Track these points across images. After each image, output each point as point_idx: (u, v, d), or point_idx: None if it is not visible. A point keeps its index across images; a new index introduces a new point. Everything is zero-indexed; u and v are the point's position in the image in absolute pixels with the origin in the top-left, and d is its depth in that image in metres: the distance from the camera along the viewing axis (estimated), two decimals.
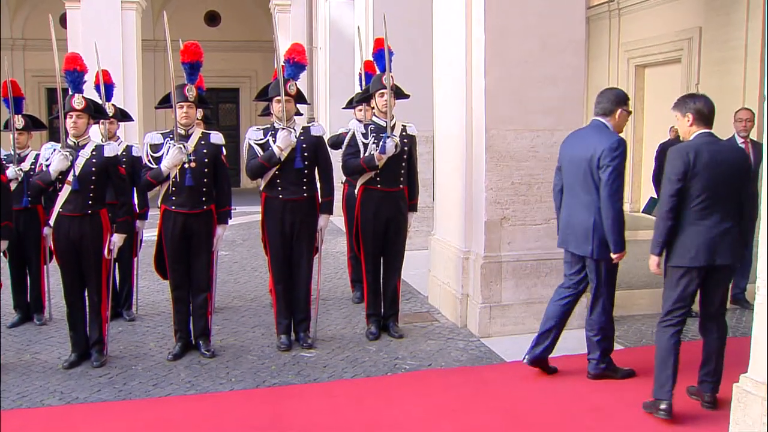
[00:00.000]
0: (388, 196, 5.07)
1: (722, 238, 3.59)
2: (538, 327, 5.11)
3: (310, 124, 5.07)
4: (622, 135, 4.09)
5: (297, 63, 4.91)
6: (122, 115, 5.85)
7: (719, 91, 9.07)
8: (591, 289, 4.17)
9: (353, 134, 5.10)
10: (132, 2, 13.22)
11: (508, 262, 5.14)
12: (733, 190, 3.62)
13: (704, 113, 3.67)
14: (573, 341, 4.49)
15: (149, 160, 4.69)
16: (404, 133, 5.13)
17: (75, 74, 4.69)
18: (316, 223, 4.97)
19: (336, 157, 5.24)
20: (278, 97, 4.76)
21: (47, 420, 3.86)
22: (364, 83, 6.00)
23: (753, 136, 5.96)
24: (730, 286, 4.27)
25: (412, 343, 5.03)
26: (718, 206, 3.58)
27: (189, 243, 4.74)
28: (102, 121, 5.35)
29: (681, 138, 3.89)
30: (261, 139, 4.82)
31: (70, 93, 4.61)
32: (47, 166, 4.52)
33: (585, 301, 5.21)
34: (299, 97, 4.98)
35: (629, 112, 4.19)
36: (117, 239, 4.66)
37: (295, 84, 4.90)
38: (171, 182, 4.65)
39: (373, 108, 5.18)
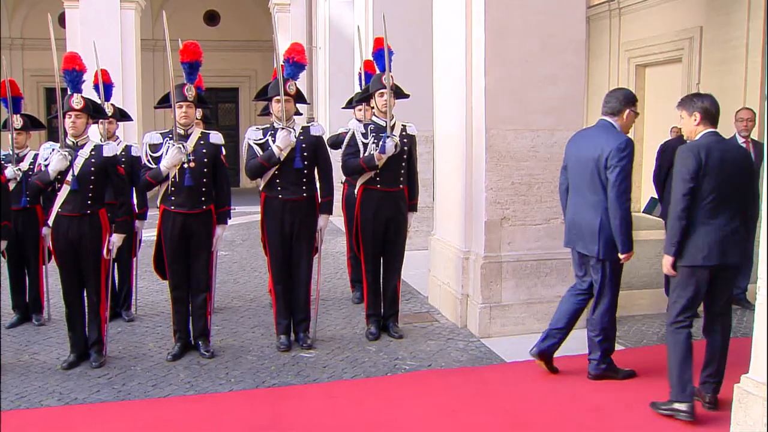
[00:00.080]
0: (388, 196, 5.06)
1: (732, 236, 3.61)
2: (538, 327, 5.12)
3: (309, 124, 5.06)
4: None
5: (296, 62, 4.90)
6: (121, 115, 5.84)
7: (720, 91, 9.04)
8: (595, 288, 4.16)
9: (353, 134, 5.09)
10: (131, 1, 13.21)
11: (508, 262, 5.13)
12: (738, 189, 3.63)
13: (711, 112, 3.67)
14: (574, 341, 4.47)
15: (148, 160, 4.68)
16: (404, 133, 5.12)
17: (74, 74, 4.67)
18: (316, 223, 4.95)
19: (336, 157, 5.23)
20: (278, 97, 4.75)
21: (46, 421, 3.85)
22: (363, 83, 5.99)
23: (754, 135, 5.95)
24: None
25: (412, 344, 5.01)
26: (726, 205, 3.59)
27: (188, 243, 4.73)
28: (101, 120, 5.33)
29: (685, 137, 3.88)
30: (260, 139, 4.81)
31: (69, 93, 4.59)
32: (46, 166, 4.50)
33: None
34: (299, 97, 4.97)
35: (637, 113, 4.19)
36: (116, 239, 4.65)
37: (295, 84, 4.89)
38: (170, 182, 4.64)
39: (372, 108, 5.17)
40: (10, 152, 5.40)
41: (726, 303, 3.77)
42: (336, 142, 5.81)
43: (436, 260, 6.00)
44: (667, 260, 3.69)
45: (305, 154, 4.81)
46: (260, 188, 4.96)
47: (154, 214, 4.95)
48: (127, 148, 5.54)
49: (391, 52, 5.12)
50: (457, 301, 5.43)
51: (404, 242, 5.25)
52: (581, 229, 4.13)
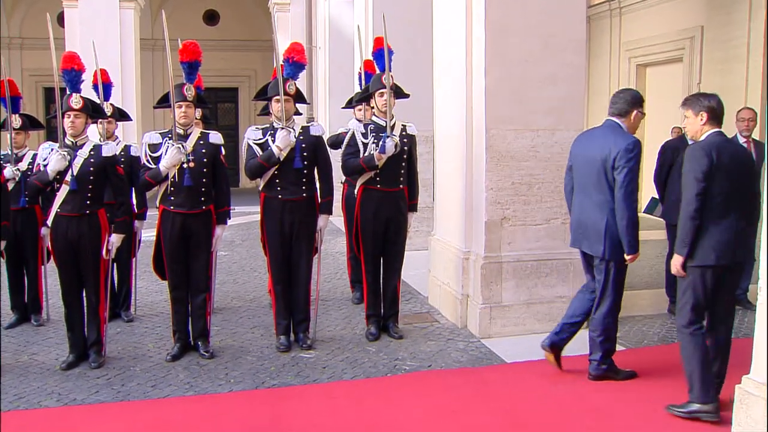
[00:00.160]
0: (388, 196, 5.05)
1: (740, 236, 3.61)
2: (538, 327, 5.13)
3: (309, 124, 5.05)
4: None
5: (296, 62, 4.89)
6: (120, 115, 5.82)
7: (721, 91, 8.98)
8: (598, 288, 4.15)
9: (353, 134, 5.08)
10: (130, 1, 13.19)
11: (508, 262, 5.12)
12: (744, 189, 3.63)
13: (718, 112, 3.68)
14: (574, 342, 4.44)
15: (148, 160, 4.67)
16: (404, 133, 5.11)
17: (72, 73, 4.66)
18: (316, 223, 4.94)
19: (335, 156, 5.22)
20: (277, 97, 4.74)
21: (45, 421, 3.84)
22: (363, 83, 5.98)
23: (755, 135, 5.94)
24: None
25: (412, 344, 5.00)
26: (734, 205, 3.59)
27: (188, 243, 4.71)
28: (100, 120, 5.32)
29: (689, 137, 3.87)
30: (260, 139, 4.80)
31: (68, 92, 4.58)
32: (45, 166, 4.49)
33: None
34: (298, 97, 4.95)
35: (643, 114, 4.18)
36: (115, 239, 4.64)
37: (295, 83, 4.88)
38: (170, 182, 4.63)
39: (372, 107, 5.16)
40: (9, 152, 5.39)
41: (729, 303, 3.76)
42: (336, 142, 5.80)
43: (436, 260, 5.98)
44: (679, 260, 3.66)
45: (305, 154, 4.80)
46: (260, 188, 4.95)
47: (153, 214, 4.94)
48: (127, 148, 5.53)
49: (391, 52, 5.10)
50: (457, 301, 5.41)
51: (404, 242, 5.24)
52: (586, 230, 4.13)
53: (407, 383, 4.28)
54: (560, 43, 5.11)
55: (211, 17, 18.23)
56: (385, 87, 4.97)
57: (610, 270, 4.08)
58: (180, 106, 4.62)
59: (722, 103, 3.72)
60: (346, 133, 5.25)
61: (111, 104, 5.65)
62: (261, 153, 4.76)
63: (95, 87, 5.60)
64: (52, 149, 4.52)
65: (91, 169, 4.51)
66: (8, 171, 5.22)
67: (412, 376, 4.42)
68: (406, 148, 5.09)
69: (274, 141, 4.72)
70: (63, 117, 4.48)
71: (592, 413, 3.81)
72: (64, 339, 4.75)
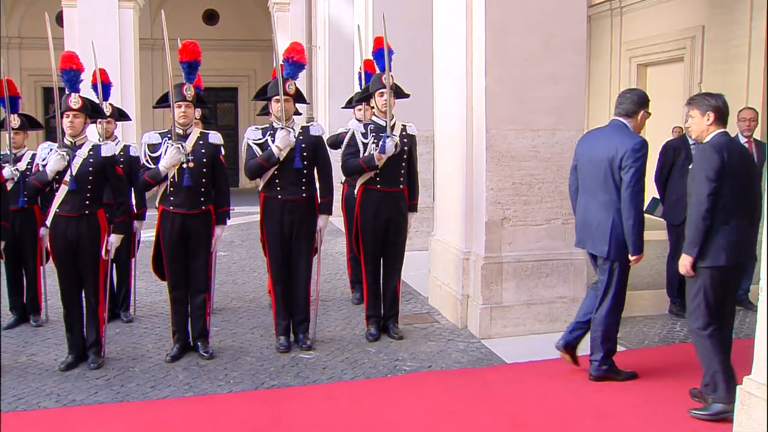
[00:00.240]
0: (388, 196, 5.04)
1: (747, 236, 3.61)
2: (539, 328, 5.12)
3: (309, 124, 5.04)
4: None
5: (296, 62, 4.88)
6: (120, 115, 5.81)
7: (722, 90, 8.96)
8: (601, 288, 4.14)
9: (353, 134, 5.07)
10: (129, 0, 13.17)
11: (508, 262, 5.11)
12: (747, 189, 3.63)
13: (724, 112, 3.68)
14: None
15: (147, 160, 4.66)
16: (404, 133, 5.10)
17: (71, 73, 4.64)
18: (316, 223, 4.93)
19: (335, 156, 5.20)
20: (277, 97, 4.73)
21: (44, 422, 3.83)
22: (363, 82, 5.97)
23: (756, 135, 5.93)
24: None
25: (412, 345, 4.99)
26: (741, 205, 3.59)
27: (187, 244, 4.70)
28: (99, 120, 5.31)
29: (694, 137, 3.85)
30: (260, 139, 4.79)
31: (67, 92, 4.57)
32: (44, 166, 4.48)
33: None
34: (298, 97, 4.94)
35: (649, 114, 4.18)
36: (114, 240, 4.63)
37: (294, 83, 4.87)
38: (169, 182, 4.61)
39: (372, 107, 5.14)
40: (8, 152, 5.38)
41: (731, 303, 3.75)
42: (336, 142, 5.79)
43: (437, 261, 5.97)
44: (688, 261, 3.62)
45: (305, 154, 4.78)
46: (259, 188, 4.93)
47: (152, 214, 4.93)
48: (126, 148, 5.52)
49: (391, 52, 5.09)
50: (457, 301, 5.40)
51: (404, 243, 5.23)
52: (591, 229, 4.12)
53: (407, 384, 4.27)
54: (561, 43, 5.10)
55: (210, 17, 18.21)
56: (385, 87, 4.95)
57: (614, 270, 4.07)
58: (179, 106, 4.61)
59: (728, 103, 3.72)
60: (346, 133, 5.24)
61: (110, 104, 5.63)
62: (261, 153, 4.75)
63: (94, 87, 5.59)
64: (51, 149, 4.51)
65: (90, 169, 4.50)
66: (7, 171, 5.21)
67: (412, 376, 4.41)
68: (406, 148, 5.07)
69: (273, 141, 4.70)
70: (62, 117, 4.47)
71: (593, 414, 3.80)
72: (63, 340, 4.74)
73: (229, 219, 5.02)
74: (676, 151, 5.57)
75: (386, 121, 4.95)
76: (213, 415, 3.84)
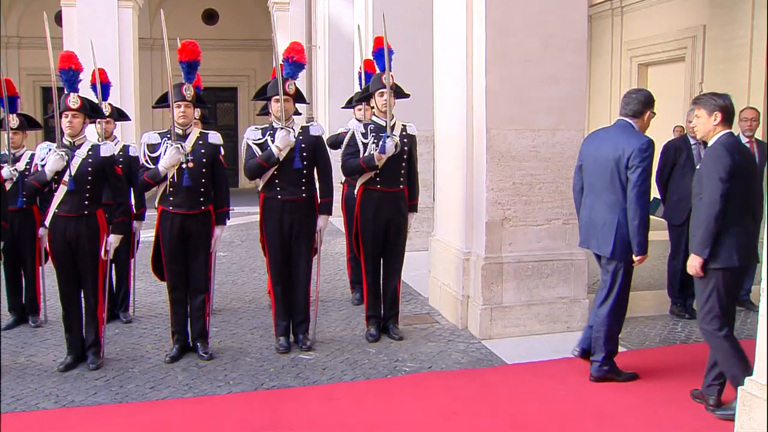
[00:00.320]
0: (388, 196, 5.02)
1: (753, 237, 3.60)
2: (539, 329, 5.11)
3: (309, 124, 5.03)
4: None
5: (296, 62, 4.86)
6: (119, 115, 5.81)
7: (724, 90, 9.02)
8: (603, 289, 4.12)
9: (353, 134, 5.06)
10: (128, 0, 13.16)
11: (509, 263, 5.10)
12: (751, 189, 3.62)
13: (731, 113, 3.68)
14: (574, 343, 4.43)
15: (146, 160, 4.65)
16: (404, 133, 5.08)
17: (70, 73, 4.64)
18: (315, 223, 4.92)
19: (335, 157, 5.19)
20: (277, 97, 4.72)
21: (43, 423, 3.82)
22: (363, 82, 5.96)
23: (757, 135, 5.91)
24: None
25: (412, 345, 4.98)
26: (748, 206, 3.59)
27: (187, 244, 4.69)
28: (98, 120, 5.30)
29: (699, 137, 3.84)
30: (259, 139, 4.78)
31: (66, 92, 4.56)
32: (42, 166, 4.46)
33: (588, 302, 5.18)
34: (298, 97, 4.93)
35: (654, 114, 4.17)
36: (113, 240, 4.62)
37: (294, 83, 4.86)
38: (168, 182, 4.60)
39: (372, 107, 5.13)
40: (6, 152, 5.36)
41: (733, 304, 3.74)
42: (336, 142, 5.77)
43: (437, 261, 5.96)
44: (698, 262, 3.60)
45: (304, 154, 4.77)
46: (259, 188, 4.92)
47: (152, 214, 4.91)
48: (125, 148, 5.51)
49: (391, 52, 5.08)
50: (457, 302, 5.39)
51: (404, 243, 5.22)
52: (596, 229, 4.12)
53: (407, 385, 4.26)
54: (561, 43, 5.09)
55: (210, 16, 18.19)
56: (385, 87, 4.94)
57: (618, 270, 4.06)
58: (179, 106, 4.60)
59: (733, 104, 3.72)
60: (346, 133, 5.22)
61: (109, 104, 5.62)
62: (260, 153, 4.74)
63: (93, 86, 5.58)
64: (49, 149, 4.49)
65: (90, 169, 4.49)
66: (6, 171, 5.20)
67: (413, 377, 4.40)
68: (406, 148, 5.06)
69: (273, 141, 4.69)
70: (61, 117, 4.46)
71: (594, 415, 3.79)
72: (62, 340, 4.73)
73: (229, 219, 5.01)
74: (678, 151, 5.56)
75: (386, 121, 4.94)
76: (212, 416, 3.83)
